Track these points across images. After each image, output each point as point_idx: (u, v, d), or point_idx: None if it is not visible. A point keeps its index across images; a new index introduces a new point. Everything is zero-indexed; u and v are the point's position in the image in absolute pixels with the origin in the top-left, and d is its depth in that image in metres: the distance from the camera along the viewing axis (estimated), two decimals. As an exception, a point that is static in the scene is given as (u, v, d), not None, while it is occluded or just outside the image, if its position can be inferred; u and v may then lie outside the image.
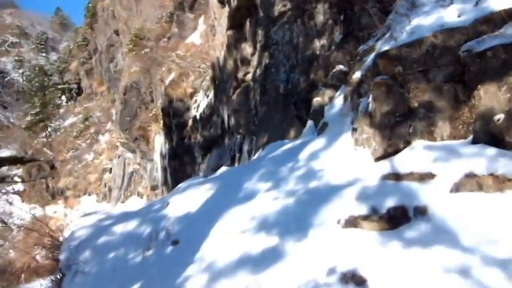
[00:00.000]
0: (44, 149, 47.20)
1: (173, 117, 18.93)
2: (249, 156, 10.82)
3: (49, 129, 49.46)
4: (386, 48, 4.57)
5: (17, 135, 52.48)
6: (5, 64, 67.36)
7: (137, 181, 33.23)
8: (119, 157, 35.77)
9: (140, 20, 30.15)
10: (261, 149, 8.39)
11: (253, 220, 4.59)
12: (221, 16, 12.49)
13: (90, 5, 52.35)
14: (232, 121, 12.24)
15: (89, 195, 40.10)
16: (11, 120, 59.26)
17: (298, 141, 6.83)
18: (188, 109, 18.04)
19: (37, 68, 60.76)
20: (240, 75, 11.24)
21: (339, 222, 3.83)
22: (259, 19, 9.53)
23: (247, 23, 10.45)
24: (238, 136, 12.69)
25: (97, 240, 6.17)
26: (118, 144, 34.76)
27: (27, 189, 46.20)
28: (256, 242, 4.16)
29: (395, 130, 4.23)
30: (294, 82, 7.62)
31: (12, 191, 47.16)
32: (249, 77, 10.69)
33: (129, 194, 34.07)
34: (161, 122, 21.04)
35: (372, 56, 5.10)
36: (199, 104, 16.67)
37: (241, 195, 5.41)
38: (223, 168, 13.42)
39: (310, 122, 6.91)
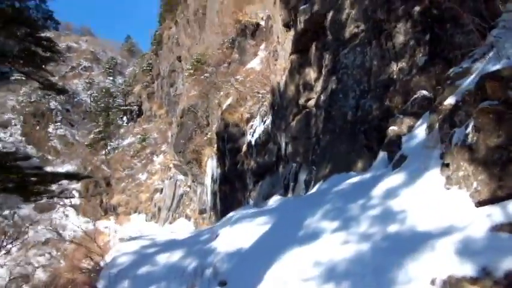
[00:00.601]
0: (102, 166, 49.21)
1: (227, 142, 18.61)
2: (306, 187, 10.01)
3: (108, 148, 51.62)
4: (495, 68, 3.71)
5: (80, 152, 55.41)
6: (76, 86, 72.29)
7: (186, 203, 33.28)
8: (170, 178, 36.22)
9: (202, 47, 30.93)
10: (321, 181, 7.60)
11: (318, 267, 3.79)
12: (285, 40, 12.08)
13: (157, 33, 55.07)
14: (290, 149, 11.56)
15: (139, 213, 40.83)
16: (76, 137, 62.82)
17: (368, 175, 5.98)
18: (243, 134, 17.65)
19: (104, 90, 64.51)
20: (301, 101, 10.62)
21: (433, 282, 2.95)
22: (327, 42, 8.93)
23: (313, 47, 9.89)
24: (294, 165, 11.96)
25: (138, 270, 5.62)
26: (171, 166, 35.25)
27: (83, 203, 48.04)
28: (323, 297, 3.36)
29: (509, 169, 3.31)
30: (365, 109, 6.84)
31: (69, 204, 49.32)
32: (312, 103, 10.03)
33: (177, 215, 34.16)
34: (215, 146, 20.83)
35: (472, 78, 4.24)
36: (255, 129, 16.20)
37: (301, 234, 4.64)
38: (275, 198, 12.66)
39: (382, 154, 6.06)
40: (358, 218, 4.32)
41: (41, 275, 29.50)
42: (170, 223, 34.32)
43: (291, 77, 11.26)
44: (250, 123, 17.24)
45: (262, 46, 22.14)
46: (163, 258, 5.83)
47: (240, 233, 5.38)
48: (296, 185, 11.74)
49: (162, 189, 38.35)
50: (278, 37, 12.92)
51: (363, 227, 4.08)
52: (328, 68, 8.92)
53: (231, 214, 9.58)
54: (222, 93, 21.36)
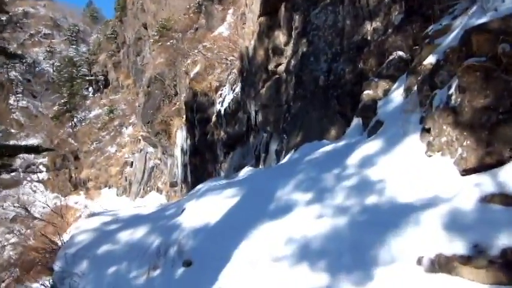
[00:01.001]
0: (69, 139, 47.44)
1: (196, 112, 17.96)
2: (277, 157, 9.69)
3: (75, 120, 49.73)
4: (482, 21, 3.36)
5: (44, 125, 53.18)
6: (37, 54, 68.62)
7: (157, 176, 32.70)
8: (140, 151, 35.34)
9: (168, 12, 29.48)
10: (293, 150, 7.26)
11: (291, 244, 3.47)
12: (253, 2, 11.41)
13: (120, -2, 52.34)
14: (260, 117, 11.12)
15: (110, 187, 39.93)
16: (40, 109, 60.15)
17: (341, 143, 5.67)
18: (213, 104, 17.03)
19: (67, 59, 61.40)
20: (271, 66, 10.11)
21: (420, 262, 2.67)
22: (297, 2, 8.38)
23: (282, 8, 9.30)
24: (265, 134, 11.59)
25: (98, 249, 5.19)
26: (140, 137, 34.31)
27: (51, 178, 46.57)
28: (295, 278, 3.04)
29: (498, 132, 3.02)
30: (338, 73, 6.44)
31: (36, 179, 47.75)
32: (282, 68, 9.55)
33: (148, 189, 33.60)
34: (184, 116, 20.15)
35: (455, 34, 3.88)
36: (225, 98, 15.61)
37: (272, 207, 4.30)
38: (247, 169, 12.36)
39: (357, 120, 5.73)
40: (333, 189, 4.00)
41: (10, 253, 28.64)
42: (142, 197, 33.76)
43: (259, 41, 10.68)
44: (219, 92, 16.63)
45: (230, 11, 21.21)
46: (125, 236, 5.40)
47: (207, 207, 4.99)
48: (267, 155, 11.42)
49: (132, 163, 37.48)
50: (246, -1, 12.22)
51: (339, 199, 3.77)
52: (299, 30, 8.42)
53: (199, 186, 9.18)
54: (189, 60, 20.46)
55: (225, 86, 16.26)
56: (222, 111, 15.25)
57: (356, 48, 6.20)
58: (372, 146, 4.44)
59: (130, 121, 42.79)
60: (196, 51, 18.49)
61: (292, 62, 8.66)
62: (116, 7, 54.82)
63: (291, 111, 8.07)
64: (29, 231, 32.70)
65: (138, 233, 5.38)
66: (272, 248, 3.53)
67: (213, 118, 16.64)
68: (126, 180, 37.39)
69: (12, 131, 55.06)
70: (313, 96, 7.05)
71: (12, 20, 72.43)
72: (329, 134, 6.46)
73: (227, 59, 15.75)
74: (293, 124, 7.83)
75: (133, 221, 5.99)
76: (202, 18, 23.96)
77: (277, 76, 9.90)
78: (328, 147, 5.71)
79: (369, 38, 5.97)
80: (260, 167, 11.84)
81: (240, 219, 4.30)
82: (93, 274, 4.82)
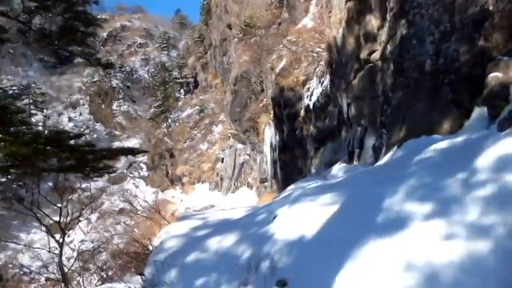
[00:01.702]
0: (165, 138, 50.62)
1: (284, 107, 17.54)
2: (375, 153, 8.81)
3: (169, 120, 52.88)
4: None
5: (143, 126, 57.62)
6: (134, 63, 74.66)
7: (247, 172, 33.15)
8: (230, 147, 36.19)
9: (251, 11, 29.54)
10: (395, 147, 6.40)
11: (411, 272, 2.77)
12: (340, -13, 10.56)
13: (205, 2, 54.32)
14: (353, 110, 10.28)
15: (203, 183, 41.68)
16: (139, 112, 65.29)
17: (459, 138, 4.72)
18: (300, 98, 16.45)
19: (160, 65, 65.74)
20: (363, 55, 9.22)
21: None
22: (392, -21, 7.42)
23: (375, -12, 8.38)
24: (359, 128, 10.71)
25: (187, 257, 4.96)
26: (229, 135, 35.09)
27: (151, 174, 50.21)
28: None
29: None
30: (449, 55, 5.44)
31: (138, 175, 51.88)
32: (376, 56, 8.62)
33: (239, 184, 34.26)
34: (271, 113, 19.88)
35: None
36: (313, 92, 14.94)
37: (380, 220, 3.61)
38: (339, 166, 11.59)
39: (479, 110, 4.74)
40: (461, 200, 3.18)
41: (117, 241, 31.35)
42: (233, 192, 34.57)
43: (348, 29, 9.82)
44: (307, 86, 15.98)
45: (314, 1, 20.37)
46: (214, 243, 5.11)
47: (302, 216, 4.46)
48: (362, 151, 10.56)
49: (223, 159, 38.62)
50: (332, -16, 11.39)
51: (472, 214, 2.96)
52: (395, 11, 7.44)
53: (290, 187, 8.72)
54: (274, 56, 20.12)
55: (312, 79, 15.58)
56: (311, 106, 14.60)
57: (472, 23, 5.14)
58: (510, 143, 3.50)
59: (220, 119, 44.15)
60: (281, 46, 18.04)
61: (389, 47, 7.71)
62: (202, 12, 57.06)
63: (391, 102, 7.17)
64: (133, 222, 35.49)
65: (228, 240, 5.06)
66: (387, 276, 2.87)
67: (302, 113, 16.06)
68: (217, 175, 38.67)
69: (116, 133, 60.56)
70: (418, 85, 6.11)
71: (112, 34, 79.67)
72: (440, 128, 5.50)
73: (313, 51, 15.05)
74: (394, 117, 6.93)
75: (223, 226, 5.70)
76: (284, 12, 23.50)
77: (370, 65, 8.99)
78: (442, 144, 4.79)
79: (490, 7, 4.89)
80: (354, 163, 11.01)
81: (342, 234, 3.68)
82: (181, 284, 4.60)
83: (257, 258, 4.18)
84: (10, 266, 23.61)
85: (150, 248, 5.73)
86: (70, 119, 59.20)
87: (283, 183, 19.69)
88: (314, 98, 14.68)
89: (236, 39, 28.31)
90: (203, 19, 56.44)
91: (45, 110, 54.40)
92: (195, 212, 18.35)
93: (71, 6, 9.13)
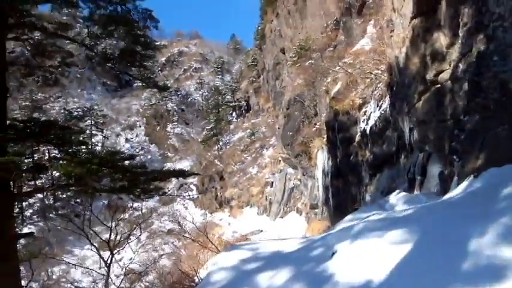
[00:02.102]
0: (216, 160, 51.22)
1: (338, 131, 16.90)
2: (442, 182, 7.96)
3: (220, 143, 53.58)
4: None
5: (195, 148, 58.90)
6: (189, 87, 77.46)
7: (297, 197, 32.40)
8: (280, 172, 35.71)
9: (305, 35, 29.41)
10: (471, 176, 5.60)
11: None
12: (402, 5, 9.96)
13: (259, 28, 55.38)
14: (415, 135, 9.49)
15: (251, 207, 41.36)
16: (191, 135, 67.06)
17: (561, 169, 3.94)
18: (356, 123, 15.75)
19: (213, 89, 67.51)
20: (429, 75, 8.47)
21: None
22: (465, -8, 6.76)
23: (443, 3, 7.71)
24: (421, 155, 9.86)
25: (235, 294, 4.49)
26: (280, 159, 34.66)
27: (200, 197, 50.75)
28: None
29: None
30: (541, 72, 4.70)
31: (188, 197, 52.71)
32: (445, 76, 7.86)
33: (288, 209, 33.53)
34: (325, 137, 19.26)
35: None
36: (370, 116, 14.21)
37: (468, 268, 2.95)
38: (399, 194, 10.67)
39: None
40: None
41: (165, 262, 31.60)
42: (281, 217, 33.86)
43: (413, 48, 9.14)
44: (363, 110, 15.27)
45: (371, 22, 19.80)
46: (265, 279, 4.59)
47: (367, 255, 3.85)
48: (425, 179, 9.68)
49: (272, 183, 38.20)
50: (393, 2, 10.79)
51: None
52: (469, 25, 6.73)
53: (348, 218, 8.02)
54: (329, 79, 19.65)
55: (369, 102, 14.87)
56: (368, 130, 13.87)
57: None
58: None
59: (271, 143, 44.03)
60: (337, 68, 17.54)
61: (461, 66, 6.97)
62: (256, 37, 58.15)
63: (464, 126, 6.39)
64: (180, 243, 35.72)
65: (280, 277, 4.52)
66: None
67: (357, 138, 15.34)
68: (266, 199, 38.23)
69: (169, 154, 62.35)
70: (500, 106, 5.35)
71: (169, 59, 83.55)
72: (530, 156, 4.70)
73: (371, 73, 14.39)
74: (468, 143, 6.15)
75: (274, 260, 5.18)
76: (340, 35, 23.07)
77: (438, 86, 8.22)
78: (537, 176, 4.03)
79: None
80: (416, 192, 10.13)
81: (418, 283, 3.05)
82: (229, 326, 4.11)
83: (314, 302, 3.62)
84: (63, 280, 24.35)
85: (196, 279, 5.35)
86: (127, 140, 61.97)
87: (335, 211, 18.81)
88: (371, 122, 13.95)
89: (290, 63, 28.16)
90: (257, 44, 57.49)
91: (104, 131, 57.41)
92: (244, 241, 17.91)
93: (131, 31, 9.36)
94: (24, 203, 35.56)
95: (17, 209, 34.47)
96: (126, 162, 10.02)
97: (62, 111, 56.05)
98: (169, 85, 69.52)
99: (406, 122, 9.93)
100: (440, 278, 2.97)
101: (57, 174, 9.60)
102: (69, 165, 8.44)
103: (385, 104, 12.84)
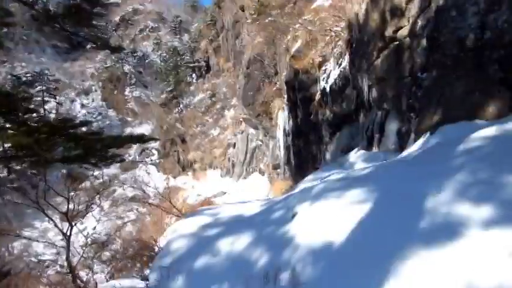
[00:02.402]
0: (177, 124, 50.20)
1: (298, 90, 16.77)
2: (399, 139, 8.11)
3: (181, 106, 52.34)
4: None
5: (155, 112, 57.29)
6: (146, 48, 74.10)
7: (259, 158, 32.57)
8: (242, 132, 35.58)
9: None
10: (427, 133, 5.69)
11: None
12: (362, -42, 9.67)
13: (218, -16, 53.06)
14: (374, 93, 9.52)
15: (214, 169, 41.33)
16: (151, 98, 65.01)
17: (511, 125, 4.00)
18: (316, 81, 15.64)
19: (172, 49, 64.96)
20: (388, 32, 8.39)
21: None
22: None
23: (403, -44, 7.53)
24: (380, 112, 9.95)
25: (195, 261, 4.40)
26: (241, 120, 34.44)
27: (162, 161, 50.05)
28: None
29: None
30: (498, 27, 4.67)
31: (150, 162, 51.83)
32: (404, 32, 7.80)
33: (251, 170, 33.74)
34: (285, 96, 19.12)
35: None
36: (330, 74, 14.12)
37: (425, 226, 2.96)
38: (358, 152, 10.90)
39: (537, 91, 4.00)
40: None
41: (130, 228, 31.42)
42: (244, 178, 34.11)
43: (373, 3, 8.99)
44: (323, 68, 15.15)
45: (332, -22, 19.32)
46: (226, 245, 4.52)
47: (327, 216, 3.82)
48: (383, 137, 9.84)
49: (234, 144, 38.08)
50: (353, -44, 10.48)
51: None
52: (428, -20, 6.62)
53: (309, 178, 8.07)
54: (289, 37, 19.24)
55: (329, 61, 14.74)
56: (327, 89, 13.82)
57: (528, -12, 4.35)
58: None
59: (232, 103, 43.47)
60: (296, 25, 17.14)
61: (420, 22, 6.91)
62: (214, -7, 55.81)
63: (422, 83, 6.41)
64: (145, 209, 35.48)
65: (241, 242, 4.46)
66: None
67: (317, 96, 15.29)
68: (229, 161, 38.21)
69: (128, 119, 60.50)
70: (457, 63, 5.34)
71: (124, 18, 79.16)
72: (484, 112, 4.77)
73: (331, 30, 14.16)
74: (425, 100, 6.19)
75: (235, 225, 5.11)
76: (300, -9, 22.44)
77: (397, 43, 8.18)
78: (490, 131, 4.09)
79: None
80: (374, 149, 10.33)
81: (378, 242, 3.04)
82: (190, 294, 4.03)
83: (275, 268, 3.57)
84: (25, 254, 23.67)
85: (156, 249, 5.21)
86: (83, 106, 59.29)
87: (297, 170, 19.05)
88: (331, 81, 13.89)
89: (249, 20, 27.35)
90: (215, 1, 55.31)
91: (58, 97, 54.51)
92: (207, 204, 17.88)
93: None
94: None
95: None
96: (81, 129, 9.50)
97: (9, 77, 52.39)
98: (124, 46, 66.51)
99: (365, 79, 9.92)
100: (398, 236, 2.97)
101: (7, 145, 8.98)
102: (17, 135, 7.85)
103: (345, 61, 12.76)
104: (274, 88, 21.89)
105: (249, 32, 33.63)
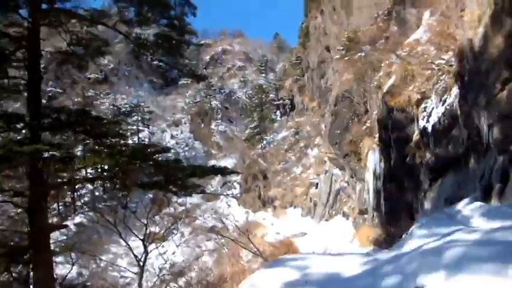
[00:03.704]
0: (259, 159, 50.44)
1: (392, 130, 15.33)
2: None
3: (264, 142, 52.76)
4: None
5: (238, 146, 58.67)
6: (232, 85, 77.69)
7: (343, 200, 30.81)
8: (326, 173, 34.25)
9: (351, 30, 27.78)
10: None
11: None
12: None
13: (303, 25, 54.25)
14: (496, 133, 7.96)
15: (295, 207, 40.23)
16: (235, 133, 67.00)
17: None
18: (413, 120, 14.14)
19: (257, 87, 66.91)
20: (517, 59, 7.01)
21: None
22: None
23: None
24: (502, 157, 8.30)
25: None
26: (326, 159, 33.21)
27: (243, 195, 50.27)
28: None
29: None
30: None
31: (231, 195, 52.45)
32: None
33: (333, 212, 32.02)
34: (376, 136, 17.71)
35: None
36: (431, 112, 12.59)
37: None
38: (473, 205, 9.12)
39: None
40: None
41: (207, 258, 31.30)
42: (326, 220, 32.41)
43: (494, 26, 7.66)
44: (423, 105, 13.67)
45: (427, 13, 17.97)
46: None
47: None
48: (506, 187, 8.16)
49: (317, 184, 36.79)
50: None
51: None
52: None
53: (418, 232, 6.67)
54: (381, 73, 18.08)
55: (430, 97, 13.25)
56: (429, 129, 12.30)
57: None
58: None
59: (315, 142, 42.63)
60: (391, 60, 15.96)
61: None
62: (300, 35, 56.84)
63: None
64: (223, 240, 35.26)
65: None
66: None
67: (415, 137, 13.76)
68: (310, 201, 36.89)
69: (213, 151, 62.59)
70: None
71: (214, 58, 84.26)
72: None
73: (433, 63, 12.75)
74: None
75: (327, 285, 4.06)
76: (393, 26, 21.36)
77: (530, 72, 6.74)
78: None
79: None
80: (493, 202, 8.59)
81: None
82: None
83: None
84: (110, 269, 24.51)
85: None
86: (172, 137, 62.94)
87: (388, 217, 17.25)
88: (433, 120, 12.37)
89: (337, 56, 26.67)
90: (301, 42, 56.34)
91: (150, 127, 58.64)
92: (288, 244, 16.74)
93: (166, 14, 8.73)
94: (75, 193, 36.81)
95: (70, 199, 35.69)
96: (163, 156, 9.35)
97: (111, 107, 58.02)
98: (213, 83, 70.18)
99: (483, 117, 8.40)
100: None
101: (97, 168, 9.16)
102: (97, 157, 7.80)
103: (451, 98, 11.25)
104: (364, 127, 20.57)
105: (335, 69, 32.96)
